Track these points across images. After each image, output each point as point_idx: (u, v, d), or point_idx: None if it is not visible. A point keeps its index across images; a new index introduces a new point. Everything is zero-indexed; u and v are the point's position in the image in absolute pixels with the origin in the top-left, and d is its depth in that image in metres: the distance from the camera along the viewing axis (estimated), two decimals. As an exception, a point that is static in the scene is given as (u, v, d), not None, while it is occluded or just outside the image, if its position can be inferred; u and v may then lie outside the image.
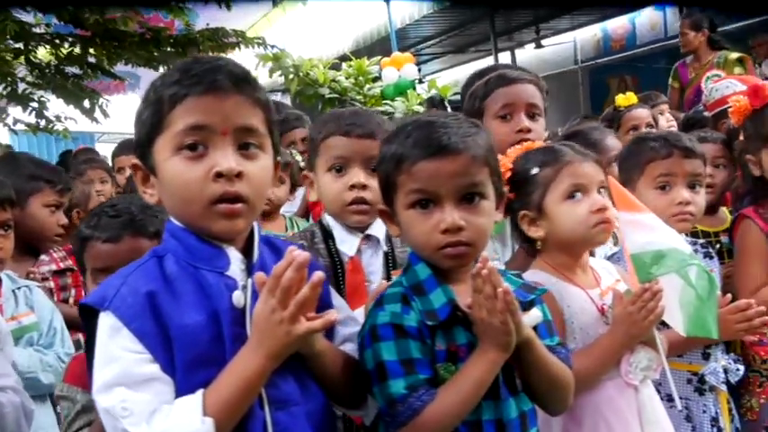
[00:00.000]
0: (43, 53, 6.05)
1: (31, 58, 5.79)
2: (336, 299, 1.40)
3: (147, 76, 11.93)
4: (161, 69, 6.41)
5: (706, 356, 1.94)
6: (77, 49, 5.81)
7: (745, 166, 2.11)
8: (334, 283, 1.64)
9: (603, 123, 3.14)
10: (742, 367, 1.95)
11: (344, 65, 8.49)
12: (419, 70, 12.72)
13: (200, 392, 1.10)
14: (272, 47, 7.07)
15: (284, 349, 1.12)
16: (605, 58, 10.26)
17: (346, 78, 8.30)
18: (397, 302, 1.30)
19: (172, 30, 8.82)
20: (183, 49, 6.24)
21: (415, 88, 8.00)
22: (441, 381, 1.27)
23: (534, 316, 1.36)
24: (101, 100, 6.40)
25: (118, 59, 6.00)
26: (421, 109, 7.76)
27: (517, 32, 10.79)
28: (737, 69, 5.06)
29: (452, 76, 13.18)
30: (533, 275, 1.61)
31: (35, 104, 6.32)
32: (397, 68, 8.26)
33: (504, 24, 10.26)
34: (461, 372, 1.26)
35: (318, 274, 1.12)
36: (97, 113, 6.25)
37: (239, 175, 1.16)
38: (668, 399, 1.75)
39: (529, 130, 1.97)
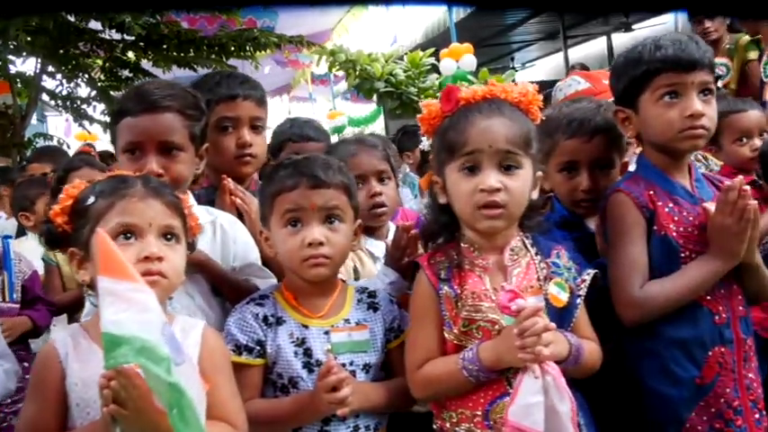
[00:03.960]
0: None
1: (80, 62, 6.34)
2: None
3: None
4: (200, 70, 6.78)
5: None
6: (118, 53, 6.25)
7: (432, 193, 1.62)
8: None
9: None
10: None
11: (405, 57, 8.42)
12: (512, 59, 12.32)
13: None
14: (311, 44, 7.13)
15: None
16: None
17: (405, 72, 8.22)
18: None
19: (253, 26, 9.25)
20: (218, 48, 6.49)
21: (467, 80, 7.75)
22: None
23: None
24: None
25: (156, 62, 6.36)
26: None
27: (613, 15, 10.07)
28: (753, 54, 4.15)
29: (550, 64, 12.60)
30: None
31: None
32: (455, 59, 8.05)
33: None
34: None
35: None
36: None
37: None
38: None
39: (160, 176, 1.61)
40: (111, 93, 6.42)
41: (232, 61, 6.75)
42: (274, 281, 1.73)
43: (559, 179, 1.87)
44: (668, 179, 1.70)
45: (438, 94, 8.56)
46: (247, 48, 6.79)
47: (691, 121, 1.64)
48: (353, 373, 1.57)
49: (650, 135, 1.71)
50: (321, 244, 1.55)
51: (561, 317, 1.51)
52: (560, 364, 1.44)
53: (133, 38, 6.20)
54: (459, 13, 8.51)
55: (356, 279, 1.86)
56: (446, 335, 1.52)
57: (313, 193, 1.57)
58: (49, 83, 6.79)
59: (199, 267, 1.66)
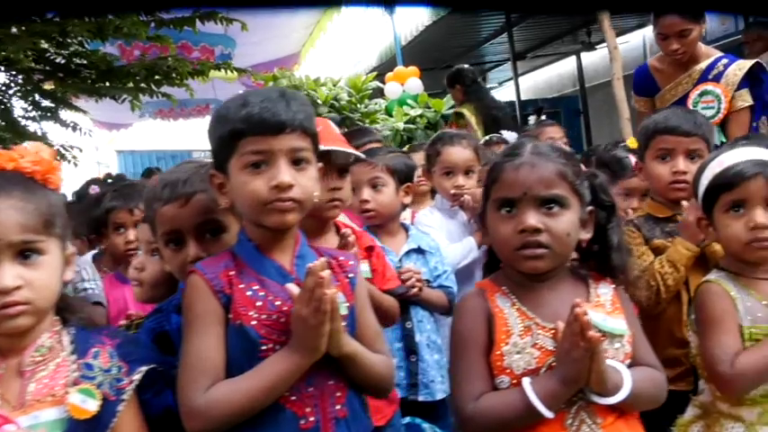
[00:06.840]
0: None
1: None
2: None
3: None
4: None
5: None
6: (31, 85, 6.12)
7: None
8: None
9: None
10: None
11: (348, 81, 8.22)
12: (484, 79, 12.00)
13: None
14: (240, 71, 6.93)
15: None
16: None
17: (349, 97, 8.03)
18: None
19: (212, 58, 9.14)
20: (138, 78, 6.33)
21: (408, 104, 7.50)
22: None
23: None
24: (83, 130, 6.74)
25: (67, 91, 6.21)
26: (401, 126, 7.28)
27: (585, 33, 9.75)
28: (462, 121, 5.46)
29: (527, 83, 12.23)
30: None
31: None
32: (400, 83, 7.82)
33: (560, 27, 9.34)
34: None
35: None
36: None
37: None
38: None
39: None
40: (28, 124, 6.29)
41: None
42: None
43: (168, 254, 1.58)
44: (260, 257, 1.40)
45: (381, 119, 8.27)
46: (173, 76, 6.61)
47: (276, 193, 1.36)
48: None
49: (239, 206, 1.44)
50: None
51: (91, 429, 1.25)
52: None
53: (49, 68, 6.09)
54: (407, 36, 8.30)
55: None
56: None
57: None
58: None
59: None
